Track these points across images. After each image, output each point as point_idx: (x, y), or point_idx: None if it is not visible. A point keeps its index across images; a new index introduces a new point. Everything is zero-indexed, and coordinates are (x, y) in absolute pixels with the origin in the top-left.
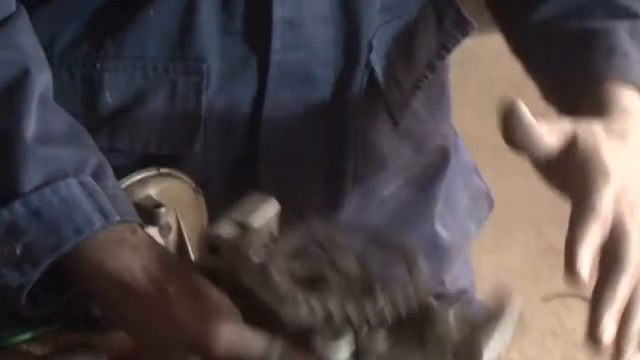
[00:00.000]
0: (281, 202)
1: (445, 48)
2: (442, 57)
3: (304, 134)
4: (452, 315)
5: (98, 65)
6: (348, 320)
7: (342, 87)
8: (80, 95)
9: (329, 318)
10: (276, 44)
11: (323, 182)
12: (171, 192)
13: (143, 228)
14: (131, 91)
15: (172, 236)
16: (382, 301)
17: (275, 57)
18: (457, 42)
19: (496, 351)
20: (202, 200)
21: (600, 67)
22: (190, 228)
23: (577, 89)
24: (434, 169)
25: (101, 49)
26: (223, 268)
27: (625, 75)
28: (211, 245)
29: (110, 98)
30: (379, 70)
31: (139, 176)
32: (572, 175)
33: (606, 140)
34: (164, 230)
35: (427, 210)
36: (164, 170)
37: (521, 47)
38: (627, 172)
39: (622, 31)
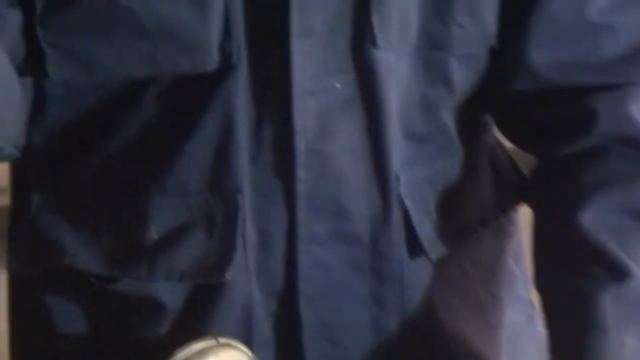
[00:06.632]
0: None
1: (500, 205)
2: (494, 215)
3: (343, 275)
4: None
5: (142, 203)
6: None
7: (378, 221)
8: (124, 231)
9: None
10: (300, 173)
11: (368, 319)
12: None
13: None
14: (175, 225)
15: None
16: None
17: (301, 187)
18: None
19: None
20: None
21: None
22: None
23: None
24: None
25: (144, 188)
26: None
27: None
28: None
29: (155, 233)
30: (409, 204)
31: (197, 346)
32: None
33: None
34: None
35: None
36: (222, 340)
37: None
38: None
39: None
